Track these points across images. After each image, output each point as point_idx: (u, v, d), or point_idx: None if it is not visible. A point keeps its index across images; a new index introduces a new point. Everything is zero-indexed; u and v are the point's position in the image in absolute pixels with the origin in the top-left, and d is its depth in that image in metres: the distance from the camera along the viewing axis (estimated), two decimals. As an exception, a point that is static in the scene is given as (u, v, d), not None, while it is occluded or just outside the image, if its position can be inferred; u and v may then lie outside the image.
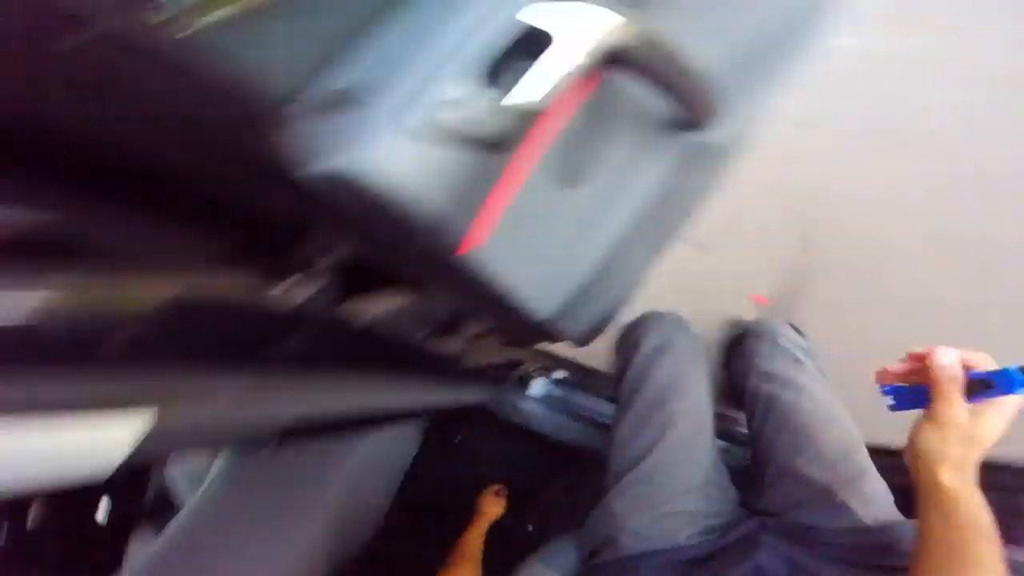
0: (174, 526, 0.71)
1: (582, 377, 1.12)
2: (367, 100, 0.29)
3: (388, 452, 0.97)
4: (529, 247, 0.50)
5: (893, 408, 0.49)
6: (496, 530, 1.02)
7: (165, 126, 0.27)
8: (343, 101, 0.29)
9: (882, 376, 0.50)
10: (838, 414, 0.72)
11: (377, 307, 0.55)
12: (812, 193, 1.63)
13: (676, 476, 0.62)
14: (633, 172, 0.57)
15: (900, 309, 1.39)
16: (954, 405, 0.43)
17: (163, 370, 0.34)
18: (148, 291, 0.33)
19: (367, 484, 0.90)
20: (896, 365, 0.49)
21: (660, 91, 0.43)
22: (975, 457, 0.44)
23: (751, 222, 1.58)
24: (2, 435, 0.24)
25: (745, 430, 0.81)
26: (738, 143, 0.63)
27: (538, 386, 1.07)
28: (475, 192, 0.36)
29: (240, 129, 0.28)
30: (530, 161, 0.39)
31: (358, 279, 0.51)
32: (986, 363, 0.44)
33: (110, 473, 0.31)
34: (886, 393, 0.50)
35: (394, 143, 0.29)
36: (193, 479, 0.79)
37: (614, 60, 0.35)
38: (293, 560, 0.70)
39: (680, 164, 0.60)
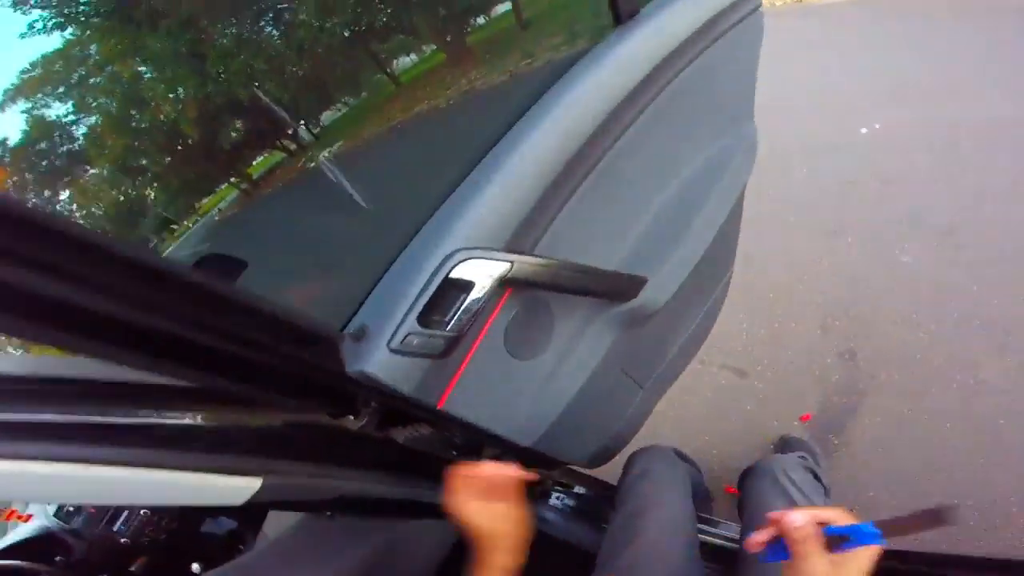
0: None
1: (602, 491, 1.21)
2: (369, 335, 0.56)
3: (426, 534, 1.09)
4: (497, 399, 0.72)
5: (762, 560, 0.53)
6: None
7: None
8: (360, 335, 0.56)
9: (749, 545, 0.54)
10: None
11: (407, 433, 0.79)
12: (848, 304, 1.64)
13: (647, 572, 0.71)
14: (582, 339, 0.77)
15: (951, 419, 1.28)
16: (810, 560, 0.48)
17: (274, 456, 0.60)
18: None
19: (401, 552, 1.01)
20: (760, 533, 0.53)
21: (567, 292, 0.65)
22: None
23: (791, 342, 1.61)
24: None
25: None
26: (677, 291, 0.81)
27: (555, 498, 1.19)
28: (439, 375, 0.60)
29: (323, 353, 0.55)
30: (471, 355, 0.63)
31: (395, 416, 0.75)
32: (842, 519, 0.49)
33: (238, 503, 0.55)
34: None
35: (385, 357, 0.55)
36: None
37: (511, 284, 0.59)
38: None
39: (624, 324, 0.79)
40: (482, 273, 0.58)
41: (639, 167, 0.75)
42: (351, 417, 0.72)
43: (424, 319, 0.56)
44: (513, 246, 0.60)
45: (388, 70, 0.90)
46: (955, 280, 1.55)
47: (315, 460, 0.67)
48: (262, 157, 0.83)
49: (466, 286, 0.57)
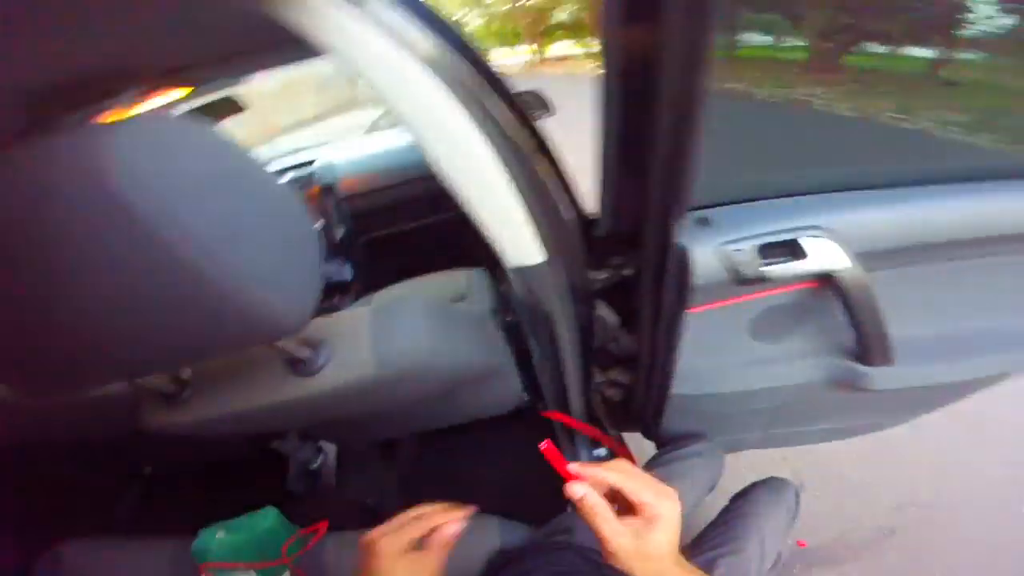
0: None
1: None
2: (711, 227, 0.65)
3: (500, 390, 1.15)
4: (706, 343, 0.80)
5: None
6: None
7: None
8: (705, 222, 0.65)
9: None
10: None
11: (606, 312, 0.89)
12: (930, 501, 1.58)
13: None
14: (800, 360, 0.83)
15: None
16: (603, 533, 0.43)
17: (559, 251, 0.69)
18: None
19: (471, 389, 1.03)
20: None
21: (848, 320, 0.70)
22: (667, 565, 0.44)
23: (859, 492, 1.60)
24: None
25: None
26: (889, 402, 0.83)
27: (601, 450, 1.30)
28: (715, 292, 0.69)
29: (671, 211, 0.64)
30: (743, 300, 0.70)
31: (614, 291, 0.85)
32: (629, 474, 0.45)
33: (515, 264, 0.63)
34: None
35: (711, 250, 0.64)
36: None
37: (827, 280, 0.65)
38: None
39: (831, 376, 0.83)
40: (821, 254, 0.64)
41: (992, 286, 0.77)
42: (592, 268, 0.84)
43: (758, 248, 0.64)
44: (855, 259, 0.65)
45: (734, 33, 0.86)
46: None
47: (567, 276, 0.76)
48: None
49: (802, 253, 0.64)
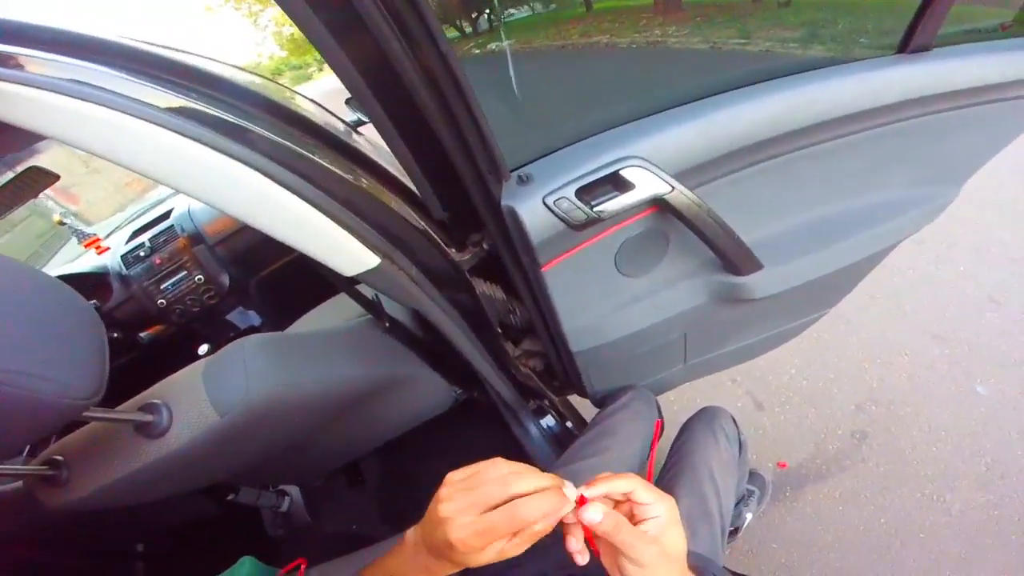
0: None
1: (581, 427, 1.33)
2: (532, 182, 0.64)
3: (424, 393, 1.17)
4: (581, 296, 0.80)
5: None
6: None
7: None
8: (526, 179, 0.64)
9: (576, 559, 0.45)
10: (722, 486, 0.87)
11: (485, 288, 0.89)
12: (896, 399, 1.62)
13: None
14: (676, 287, 0.83)
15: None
16: (636, 549, 0.41)
17: (395, 244, 0.69)
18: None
19: (391, 401, 1.05)
20: (571, 541, 0.44)
21: (698, 235, 0.71)
22: (683, 565, 0.44)
23: (821, 403, 1.63)
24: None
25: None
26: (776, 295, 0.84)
27: (548, 419, 1.31)
28: (559, 244, 0.68)
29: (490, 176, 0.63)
30: (591, 243, 0.70)
31: (487, 267, 0.84)
32: (639, 487, 0.44)
33: (349, 273, 0.63)
34: None
35: (536, 205, 0.63)
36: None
37: (659, 204, 0.65)
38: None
39: (715, 295, 0.84)
40: (645, 182, 0.63)
41: (826, 174, 0.77)
42: (454, 250, 0.83)
43: (580, 193, 0.63)
44: (680, 178, 0.65)
45: None
46: (1000, 424, 1.51)
47: (419, 266, 0.78)
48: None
49: (626, 185, 0.63)
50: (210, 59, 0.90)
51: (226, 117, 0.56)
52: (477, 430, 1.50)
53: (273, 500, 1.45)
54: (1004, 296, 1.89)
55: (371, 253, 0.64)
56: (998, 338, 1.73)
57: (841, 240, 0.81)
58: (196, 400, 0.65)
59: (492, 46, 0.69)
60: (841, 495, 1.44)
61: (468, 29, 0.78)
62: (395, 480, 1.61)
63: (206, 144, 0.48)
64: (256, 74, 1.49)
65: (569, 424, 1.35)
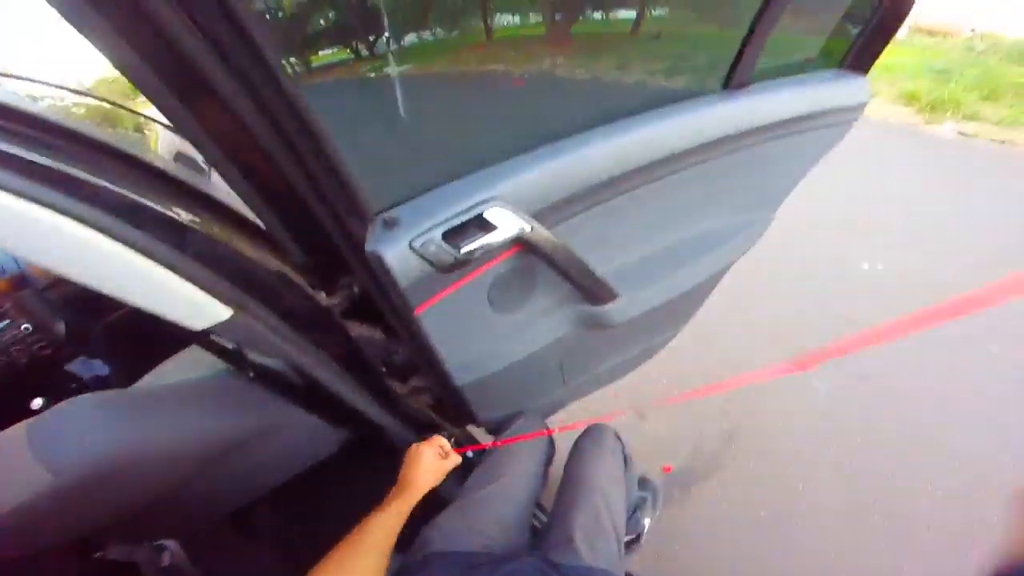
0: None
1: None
2: (399, 226, 0.65)
3: (305, 437, 1.14)
4: (459, 334, 0.82)
5: None
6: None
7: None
8: (392, 223, 0.65)
9: None
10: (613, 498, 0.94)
11: (362, 330, 0.87)
12: (752, 400, 1.88)
13: (492, 510, 0.85)
14: (547, 319, 0.89)
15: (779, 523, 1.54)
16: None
17: (249, 294, 0.66)
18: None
19: (268, 448, 1.03)
20: None
21: (558, 271, 0.77)
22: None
23: (694, 405, 1.84)
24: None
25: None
26: (631, 320, 0.94)
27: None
28: (430, 287, 0.70)
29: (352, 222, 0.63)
30: (462, 284, 0.73)
31: (361, 309, 0.83)
32: None
33: (198, 327, 0.59)
34: None
35: (403, 250, 0.64)
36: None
37: (521, 242, 0.70)
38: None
39: (583, 324, 0.92)
40: (507, 223, 0.68)
41: (667, 207, 0.88)
42: (323, 294, 0.81)
43: (447, 236, 0.66)
44: (540, 217, 0.71)
45: (488, 21, 0.94)
46: (840, 416, 1.82)
47: (280, 315, 0.74)
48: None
49: (490, 227, 0.67)
50: (31, 80, 0.79)
51: (32, 156, 0.50)
52: (377, 466, 1.44)
53: (149, 555, 1.25)
54: (846, 302, 2.29)
55: (222, 304, 0.60)
56: (832, 338, 2.09)
57: (683, 267, 0.93)
58: (20, 466, 0.59)
59: (388, 70, 0.68)
60: (723, 493, 1.60)
61: (364, 51, 0.73)
62: (289, 524, 1.48)
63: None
64: (96, 96, 1.33)
65: (470, 454, 1.36)
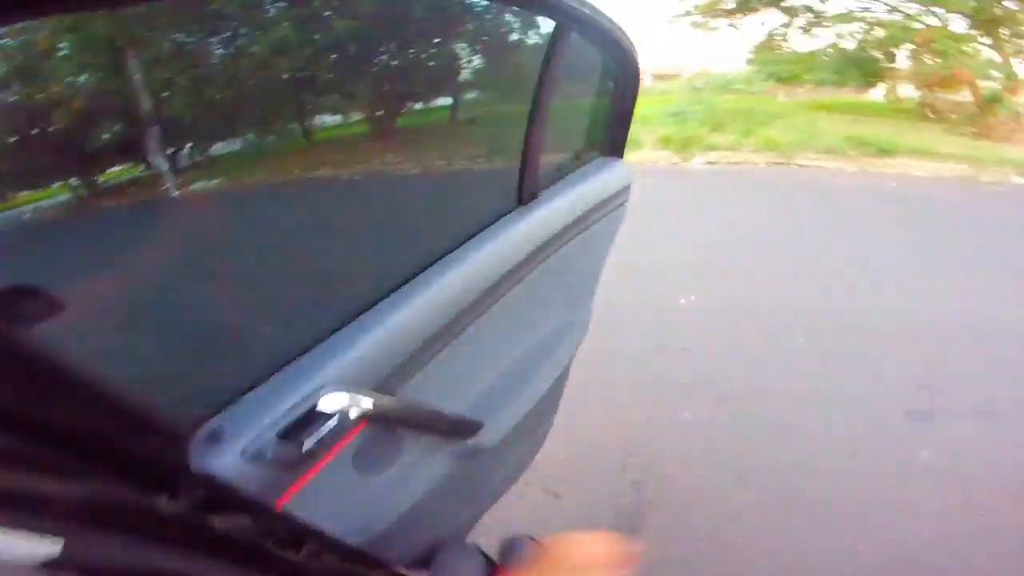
0: None
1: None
2: (225, 438, 0.62)
3: None
4: (335, 504, 0.78)
5: None
6: None
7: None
8: (216, 437, 0.62)
9: None
10: None
11: (226, 522, 0.80)
12: (643, 446, 2.01)
13: None
14: (424, 466, 0.89)
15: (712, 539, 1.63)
16: None
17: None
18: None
19: None
20: None
21: (418, 430, 0.78)
22: None
23: (599, 469, 1.92)
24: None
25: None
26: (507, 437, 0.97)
27: None
28: (284, 480, 0.67)
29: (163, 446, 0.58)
30: (322, 465, 0.71)
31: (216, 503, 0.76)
32: None
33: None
34: None
35: (237, 462, 0.61)
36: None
37: (367, 418, 0.70)
38: None
39: (461, 456, 0.93)
40: (345, 407, 0.68)
41: (501, 329, 0.94)
42: (165, 499, 0.73)
43: (284, 435, 0.64)
44: (383, 386, 0.72)
45: (305, 123, 0.83)
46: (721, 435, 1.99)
47: (127, 533, 0.65)
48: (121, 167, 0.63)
49: (327, 417, 0.67)
50: None
51: None
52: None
53: None
54: (702, 342, 2.57)
55: (41, 540, 0.51)
56: (703, 374, 2.33)
57: (530, 379, 0.99)
58: None
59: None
60: (659, 554, 1.67)
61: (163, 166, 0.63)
62: None
63: None
64: None
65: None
